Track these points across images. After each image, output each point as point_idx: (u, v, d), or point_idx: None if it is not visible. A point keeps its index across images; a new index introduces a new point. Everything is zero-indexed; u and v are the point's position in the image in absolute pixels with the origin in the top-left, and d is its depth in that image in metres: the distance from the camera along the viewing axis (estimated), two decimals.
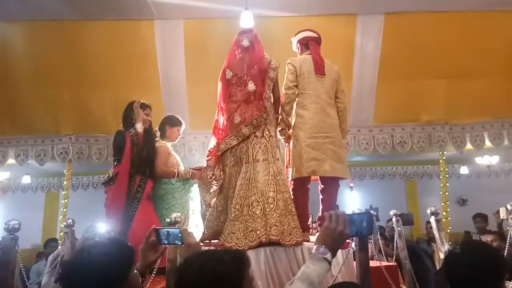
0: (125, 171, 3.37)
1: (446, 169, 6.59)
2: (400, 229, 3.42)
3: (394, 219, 3.52)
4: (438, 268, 4.48)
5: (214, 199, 3.26)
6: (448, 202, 6.33)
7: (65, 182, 6.30)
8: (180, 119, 3.95)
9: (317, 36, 3.58)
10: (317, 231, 3.22)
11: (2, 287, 2.71)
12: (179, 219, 2.53)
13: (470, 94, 5.67)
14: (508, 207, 2.37)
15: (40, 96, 5.67)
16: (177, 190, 3.59)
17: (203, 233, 3.28)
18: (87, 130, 5.97)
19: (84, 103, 5.78)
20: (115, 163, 3.52)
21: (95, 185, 9.65)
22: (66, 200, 6.11)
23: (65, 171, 6.23)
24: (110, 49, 5.43)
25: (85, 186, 9.67)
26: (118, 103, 5.68)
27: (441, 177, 6.36)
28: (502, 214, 3.13)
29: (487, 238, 4.06)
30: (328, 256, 1.30)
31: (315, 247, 1.34)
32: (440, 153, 6.24)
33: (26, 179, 8.96)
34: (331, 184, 3.31)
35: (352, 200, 9.82)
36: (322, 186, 3.34)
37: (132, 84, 5.50)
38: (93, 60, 5.48)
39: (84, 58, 5.47)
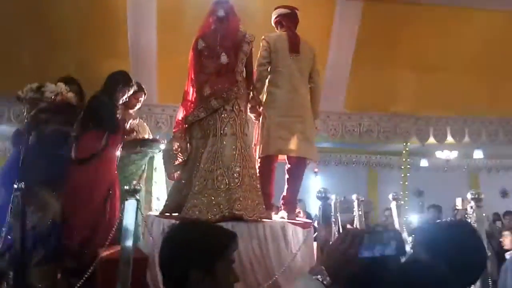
0: None
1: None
2: (360, 212, 3.50)
3: (355, 202, 3.59)
4: None
5: (178, 172, 3.19)
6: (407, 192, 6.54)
7: None
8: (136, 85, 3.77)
9: (289, 11, 3.43)
10: (283, 210, 3.23)
11: None
12: (138, 188, 2.44)
13: (437, 88, 5.80)
14: (469, 195, 2.44)
15: None
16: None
17: (164, 206, 3.22)
18: None
19: (47, 68, 5.46)
20: None
21: None
22: None
23: None
24: (77, 14, 5.12)
25: None
26: (84, 70, 5.43)
27: (402, 167, 6.55)
28: (458, 204, 3.28)
29: None
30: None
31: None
32: (404, 144, 6.39)
33: None
34: (297, 165, 3.30)
35: (315, 185, 9.97)
36: (289, 166, 3.33)
37: (99, 51, 5.23)
38: (60, 25, 5.15)
39: (51, 23, 5.13)
